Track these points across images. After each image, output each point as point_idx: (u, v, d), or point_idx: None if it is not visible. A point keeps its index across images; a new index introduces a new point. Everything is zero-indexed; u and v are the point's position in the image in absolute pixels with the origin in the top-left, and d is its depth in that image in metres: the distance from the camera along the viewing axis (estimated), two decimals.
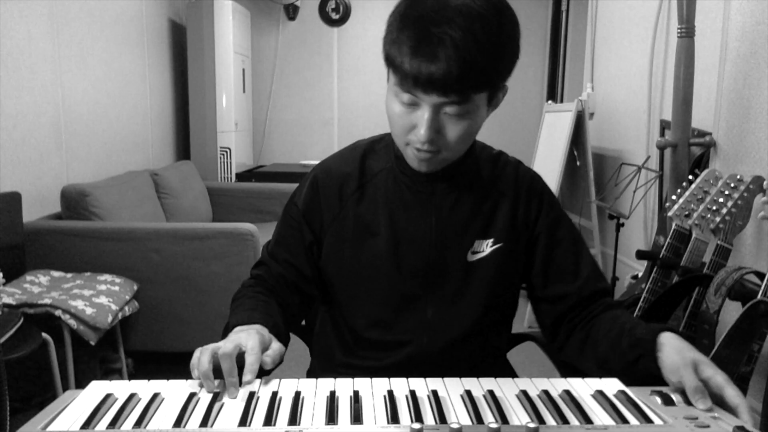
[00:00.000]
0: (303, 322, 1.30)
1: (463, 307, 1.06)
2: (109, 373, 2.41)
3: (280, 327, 0.99)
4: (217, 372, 0.83)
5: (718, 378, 0.81)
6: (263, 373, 0.87)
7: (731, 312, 1.80)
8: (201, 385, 0.83)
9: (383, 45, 0.92)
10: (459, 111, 0.91)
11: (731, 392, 0.80)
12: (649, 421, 0.76)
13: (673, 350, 0.87)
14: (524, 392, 0.84)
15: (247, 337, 0.87)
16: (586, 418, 0.77)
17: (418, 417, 0.76)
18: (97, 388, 0.83)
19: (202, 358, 0.83)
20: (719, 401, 0.81)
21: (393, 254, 1.05)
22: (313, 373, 1.23)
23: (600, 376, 0.90)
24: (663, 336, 0.90)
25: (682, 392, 0.84)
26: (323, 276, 1.11)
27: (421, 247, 1.05)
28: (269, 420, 0.75)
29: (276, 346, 0.89)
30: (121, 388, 0.83)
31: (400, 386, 0.85)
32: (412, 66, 0.86)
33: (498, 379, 0.88)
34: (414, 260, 1.05)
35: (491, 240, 1.06)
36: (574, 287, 1.07)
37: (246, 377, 0.83)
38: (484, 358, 1.13)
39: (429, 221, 1.05)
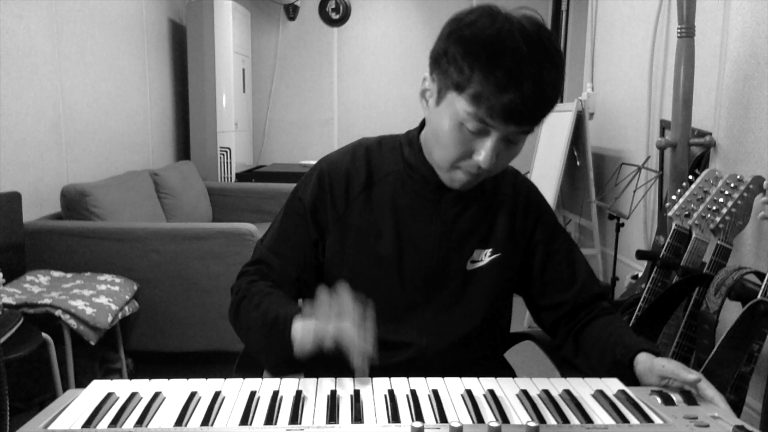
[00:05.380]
0: None
1: (460, 314, 1.08)
2: (109, 373, 2.41)
3: None
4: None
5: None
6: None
7: (731, 312, 1.80)
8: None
9: (447, 72, 0.92)
10: (518, 138, 0.95)
11: (704, 385, 0.85)
12: (649, 420, 0.77)
13: (645, 362, 0.92)
14: (524, 392, 0.84)
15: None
16: (586, 418, 0.77)
17: (418, 416, 0.76)
18: (98, 387, 0.83)
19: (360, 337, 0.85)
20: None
21: (396, 259, 1.06)
22: (311, 372, 1.23)
23: (600, 376, 0.91)
24: (637, 357, 0.94)
25: (681, 392, 0.85)
26: (324, 273, 1.11)
27: (424, 254, 1.06)
28: (270, 419, 0.75)
29: None
30: (122, 388, 0.83)
31: (401, 386, 0.86)
32: (499, 100, 0.88)
33: (498, 378, 0.89)
34: (416, 266, 1.06)
35: (490, 250, 1.08)
36: (569, 295, 1.11)
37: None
38: (482, 359, 1.14)
39: (433, 229, 1.06)
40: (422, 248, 1.06)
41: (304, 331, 0.89)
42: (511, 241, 1.10)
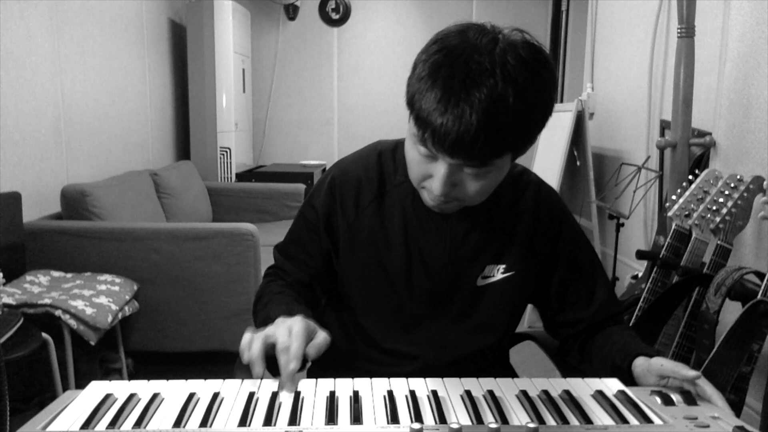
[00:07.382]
0: None
1: (468, 329, 1.06)
2: (109, 373, 2.41)
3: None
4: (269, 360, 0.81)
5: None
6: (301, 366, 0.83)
7: (731, 312, 1.80)
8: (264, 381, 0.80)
9: (408, 86, 0.86)
10: (479, 172, 0.86)
11: (703, 384, 0.84)
12: (648, 421, 0.76)
13: (642, 364, 0.92)
14: (524, 392, 0.84)
15: (293, 323, 0.83)
16: (586, 418, 0.77)
17: (417, 417, 0.76)
18: (96, 388, 0.83)
19: (253, 345, 0.81)
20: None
21: (404, 273, 1.04)
22: (313, 374, 1.23)
23: (600, 377, 0.91)
24: (635, 361, 0.94)
25: (681, 392, 0.85)
26: (337, 280, 1.10)
27: (433, 268, 1.03)
28: (269, 420, 0.75)
29: (322, 335, 0.85)
30: (120, 389, 0.83)
31: (400, 386, 0.85)
32: (436, 126, 0.80)
33: (498, 379, 0.89)
34: (424, 281, 1.04)
35: (503, 266, 1.04)
36: (587, 313, 1.08)
37: (291, 365, 0.79)
38: (489, 371, 1.13)
39: (443, 243, 1.03)
40: (430, 262, 1.03)
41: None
42: (528, 259, 1.05)
